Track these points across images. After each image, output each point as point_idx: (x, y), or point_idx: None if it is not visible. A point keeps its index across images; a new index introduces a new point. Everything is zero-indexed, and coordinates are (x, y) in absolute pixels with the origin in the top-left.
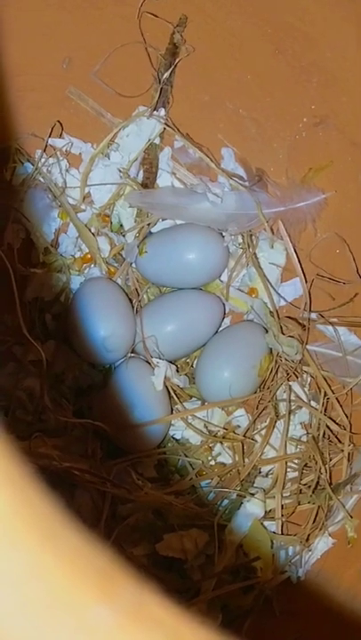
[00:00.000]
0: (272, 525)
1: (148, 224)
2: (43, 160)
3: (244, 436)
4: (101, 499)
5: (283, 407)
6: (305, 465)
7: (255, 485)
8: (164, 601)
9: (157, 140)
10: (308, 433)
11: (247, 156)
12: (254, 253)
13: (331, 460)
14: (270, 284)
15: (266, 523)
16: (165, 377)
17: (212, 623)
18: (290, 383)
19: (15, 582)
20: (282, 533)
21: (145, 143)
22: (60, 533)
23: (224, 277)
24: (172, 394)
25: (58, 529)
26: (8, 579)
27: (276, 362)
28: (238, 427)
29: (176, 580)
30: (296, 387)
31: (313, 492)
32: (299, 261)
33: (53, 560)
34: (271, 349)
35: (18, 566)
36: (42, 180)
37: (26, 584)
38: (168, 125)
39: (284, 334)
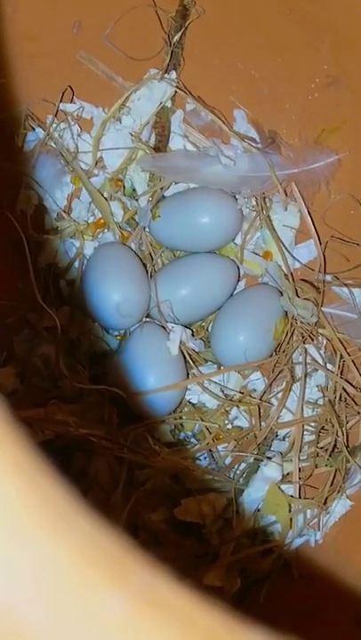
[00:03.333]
0: (290, 489)
1: (161, 188)
2: (54, 125)
3: (260, 399)
4: (118, 464)
5: (299, 370)
6: (322, 428)
7: (272, 449)
8: (176, 586)
9: (169, 104)
10: (324, 396)
11: (260, 117)
12: (268, 216)
13: (348, 422)
14: (284, 246)
15: (283, 486)
16: (181, 341)
17: (224, 605)
18: (305, 346)
19: (26, 572)
20: (299, 497)
21: (156, 106)
22: (71, 520)
23: (238, 240)
24: (188, 358)
25: (69, 516)
26: (19, 569)
27: (291, 325)
28: (255, 390)
29: (194, 544)
30: (312, 349)
31: (330, 455)
32: (313, 223)
33: (64, 548)
34: (286, 312)
35: (29, 556)
36: (53, 145)
37: (37, 574)
38: (180, 88)
39: (299, 297)
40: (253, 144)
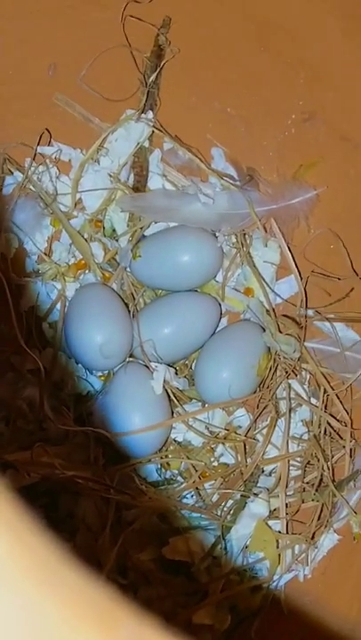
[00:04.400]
0: (277, 524)
1: (141, 228)
2: (32, 168)
3: (245, 435)
4: (106, 505)
5: (283, 405)
6: (307, 463)
7: (259, 485)
8: (163, 634)
9: (146, 143)
10: (309, 430)
11: (237, 154)
12: (248, 252)
13: (333, 456)
14: (265, 282)
15: (271, 522)
16: (165, 380)
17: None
18: (289, 381)
19: (14, 629)
20: (287, 532)
21: (134, 147)
22: (59, 575)
23: (219, 278)
24: (172, 397)
25: (56, 571)
26: (6, 625)
27: (274, 360)
28: (240, 427)
29: (184, 582)
30: (296, 384)
31: (316, 490)
32: (293, 259)
33: (52, 604)
34: (269, 348)
35: (16, 612)
36: (32, 188)
37: (24, 630)
38: (156, 128)
39: (281, 332)
40: (232, 181)
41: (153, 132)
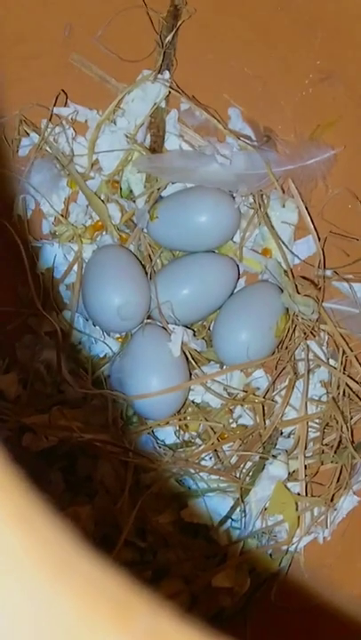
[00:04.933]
0: (296, 487)
1: (158, 189)
2: (49, 130)
3: (264, 397)
4: (124, 468)
5: (302, 367)
6: (326, 424)
7: (277, 447)
8: (180, 624)
9: (163, 104)
10: (328, 392)
11: (254, 114)
12: (266, 213)
13: (352, 418)
14: (283, 243)
15: (290, 484)
16: (182, 342)
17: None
18: (307, 342)
19: (28, 620)
20: (306, 494)
21: (151, 107)
22: (73, 565)
23: (237, 239)
24: (190, 358)
25: (70, 561)
26: (21, 617)
27: (292, 321)
28: (258, 388)
29: (203, 545)
30: (314, 346)
31: (335, 452)
32: (311, 219)
33: (66, 594)
34: (287, 309)
35: (30, 604)
36: (49, 149)
37: (39, 621)
38: (173, 88)
39: (299, 293)
40: (249, 142)
41: (170, 92)
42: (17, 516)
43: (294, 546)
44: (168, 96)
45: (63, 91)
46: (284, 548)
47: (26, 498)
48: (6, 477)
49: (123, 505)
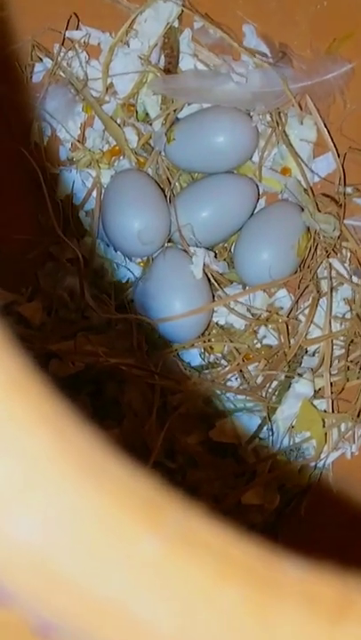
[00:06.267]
0: (322, 404)
1: (174, 110)
2: (62, 54)
3: (287, 316)
4: (151, 391)
5: (324, 285)
6: (351, 341)
7: (303, 365)
8: (211, 524)
9: (176, 23)
10: (351, 309)
11: (269, 31)
12: (284, 131)
13: None
14: (303, 160)
15: (316, 402)
16: (204, 264)
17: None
18: (330, 260)
19: (63, 520)
20: (333, 411)
21: (164, 27)
22: (104, 469)
23: (255, 158)
24: (213, 280)
25: (100, 464)
26: (56, 518)
27: (314, 240)
28: (281, 308)
29: (232, 464)
30: (336, 263)
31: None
32: (330, 135)
33: (99, 496)
34: (308, 228)
35: (65, 506)
36: (62, 74)
37: (74, 521)
38: (186, 7)
39: (320, 211)
40: (265, 59)
41: (182, 11)
42: (43, 419)
43: (322, 462)
44: (181, 15)
45: (75, 14)
46: (313, 464)
47: (51, 402)
48: (29, 384)
49: (151, 427)
